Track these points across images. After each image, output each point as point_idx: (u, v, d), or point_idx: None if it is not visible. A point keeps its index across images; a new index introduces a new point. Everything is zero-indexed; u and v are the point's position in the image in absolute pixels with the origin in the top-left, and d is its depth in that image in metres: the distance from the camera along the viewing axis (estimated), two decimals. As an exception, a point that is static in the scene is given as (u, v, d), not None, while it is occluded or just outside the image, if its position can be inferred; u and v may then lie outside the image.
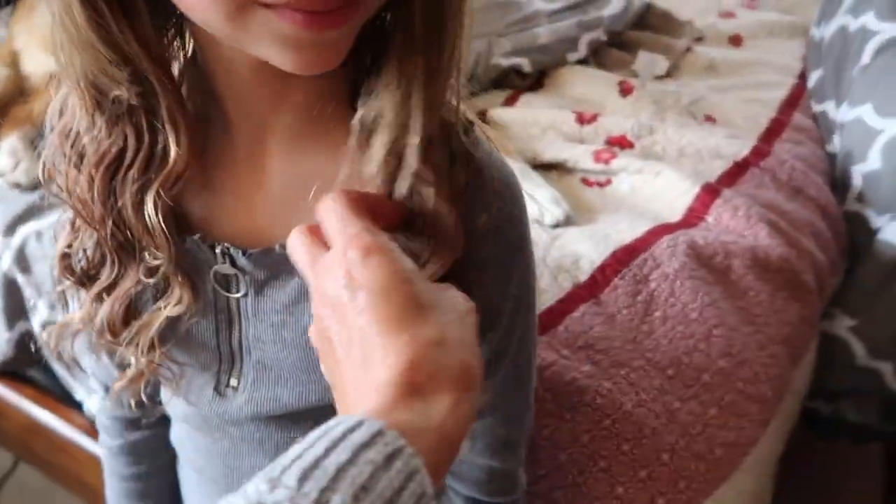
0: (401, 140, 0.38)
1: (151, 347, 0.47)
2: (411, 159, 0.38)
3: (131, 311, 0.46)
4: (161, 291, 0.46)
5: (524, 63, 1.21)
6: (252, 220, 0.45)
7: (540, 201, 0.91)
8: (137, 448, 0.62)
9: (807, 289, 0.90)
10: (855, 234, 1.06)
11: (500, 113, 1.12)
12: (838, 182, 1.11)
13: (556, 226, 0.90)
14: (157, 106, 0.40)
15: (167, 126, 0.40)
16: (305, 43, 0.34)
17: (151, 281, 0.45)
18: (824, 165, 1.12)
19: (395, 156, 0.38)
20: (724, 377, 0.75)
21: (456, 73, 0.39)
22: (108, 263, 0.45)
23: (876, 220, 1.02)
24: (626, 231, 0.89)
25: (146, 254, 0.44)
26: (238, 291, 0.46)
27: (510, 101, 1.17)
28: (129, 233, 0.43)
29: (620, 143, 1.06)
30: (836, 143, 1.15)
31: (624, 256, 0.84)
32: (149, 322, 0.46)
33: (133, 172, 0.41)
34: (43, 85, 1.24)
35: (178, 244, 0.44)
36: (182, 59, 0.42)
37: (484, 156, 0.44)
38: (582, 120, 1.09)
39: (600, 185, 1.00)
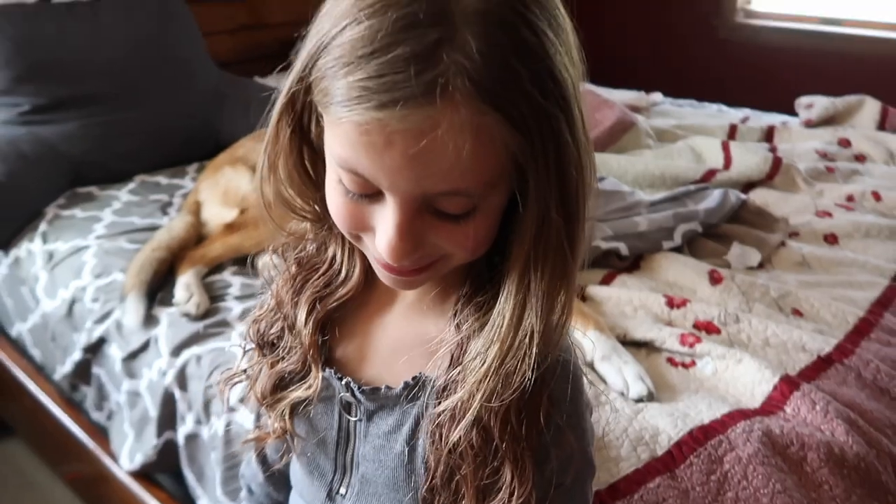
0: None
1: (281, 418, 0.62)
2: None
3: (279, 384, 0.63)
4: (300, 377, 0.62)
5: (622, 247, 1.35)
6: (370, 363, 0.61)
7: (626, 377, 1.01)
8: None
9: (885, 490, 0.92)
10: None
11: (596, 290, 1.25)
12: (930, 385, 1.13)
13: (640, 400, 0.99)
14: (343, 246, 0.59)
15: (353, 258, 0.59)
16: (390, 277, 0.52)
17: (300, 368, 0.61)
18: (913, 369, 1.15)
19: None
20: (792, 566, 0.79)
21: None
22: (286, 343, 0.62)
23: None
24: (704, 412, 0.96)
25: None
26: (356, 416, 0.61)
27: (607, 280, 1.30)
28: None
29: (707, 328, 1.16)
30: (928, 348, 1.18)
31: (700, 436, 0.91)
32: (285, 396, 0.62)
33: (318, 281, 0.60)
34: (216, 232, 1.51)
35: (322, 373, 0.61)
36: None
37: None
38: (672, 303, 1.20)
39: (685, 366, 1.08)
